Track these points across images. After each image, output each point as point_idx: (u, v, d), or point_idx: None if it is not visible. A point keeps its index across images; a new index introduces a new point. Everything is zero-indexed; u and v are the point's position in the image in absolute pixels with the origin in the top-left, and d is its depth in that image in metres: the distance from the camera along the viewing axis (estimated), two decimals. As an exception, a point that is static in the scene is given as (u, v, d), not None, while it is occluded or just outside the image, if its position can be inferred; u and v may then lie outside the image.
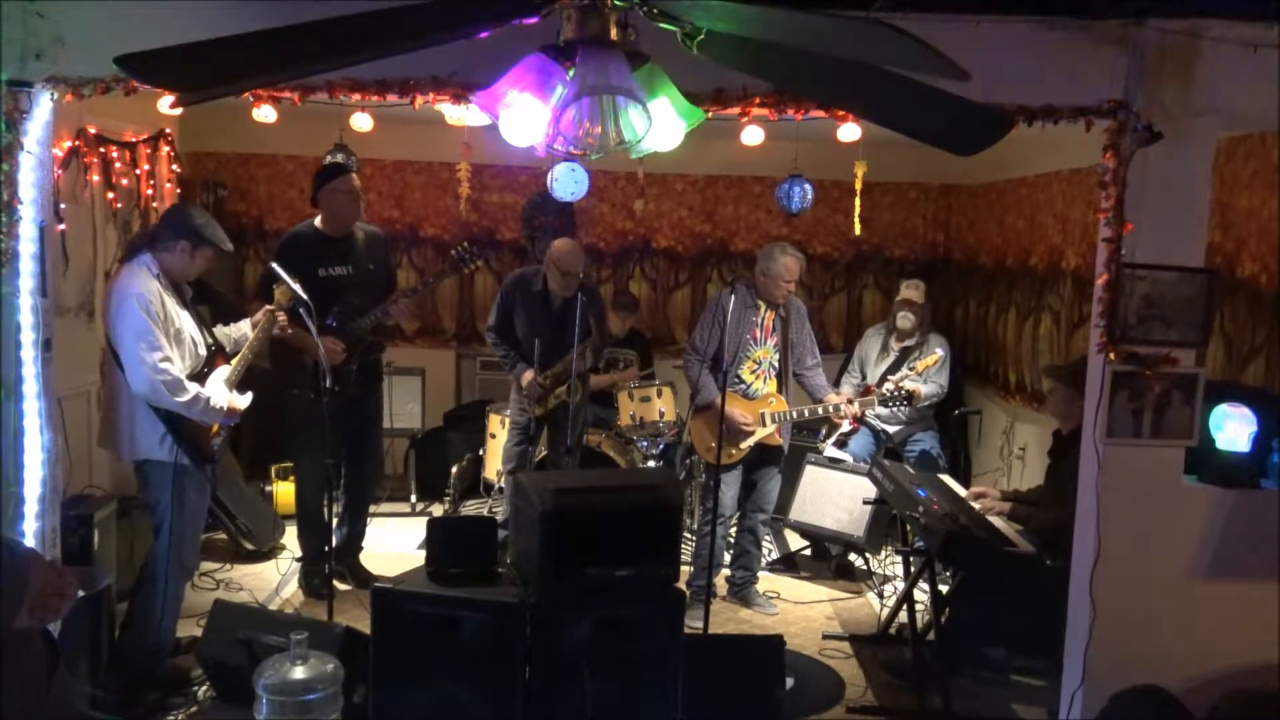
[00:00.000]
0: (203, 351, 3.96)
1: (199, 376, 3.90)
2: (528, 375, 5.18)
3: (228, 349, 4.15)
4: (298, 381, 4.78)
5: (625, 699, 3.21)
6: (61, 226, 4.26)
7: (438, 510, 6.57)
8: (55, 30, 3.47)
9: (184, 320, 3.89)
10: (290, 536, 5.54)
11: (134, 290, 3.73)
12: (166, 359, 3.74)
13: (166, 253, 3.86)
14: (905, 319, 6.17)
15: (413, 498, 6.62)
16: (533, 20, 2.07)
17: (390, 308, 4.92)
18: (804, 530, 5.90)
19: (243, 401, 4.04)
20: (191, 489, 3.93)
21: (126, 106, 4.16)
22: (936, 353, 5.92)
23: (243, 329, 4.24)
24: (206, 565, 5.35)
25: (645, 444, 6.01)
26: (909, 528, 4.78)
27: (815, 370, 5.14)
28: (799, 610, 5.25)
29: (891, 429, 6.16)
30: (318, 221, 4.93)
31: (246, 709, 3.00)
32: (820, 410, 5.10)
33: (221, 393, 3.94)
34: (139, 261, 3.83)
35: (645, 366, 6.74)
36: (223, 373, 4.01)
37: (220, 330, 4.22)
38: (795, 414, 5.03)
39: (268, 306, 4.18)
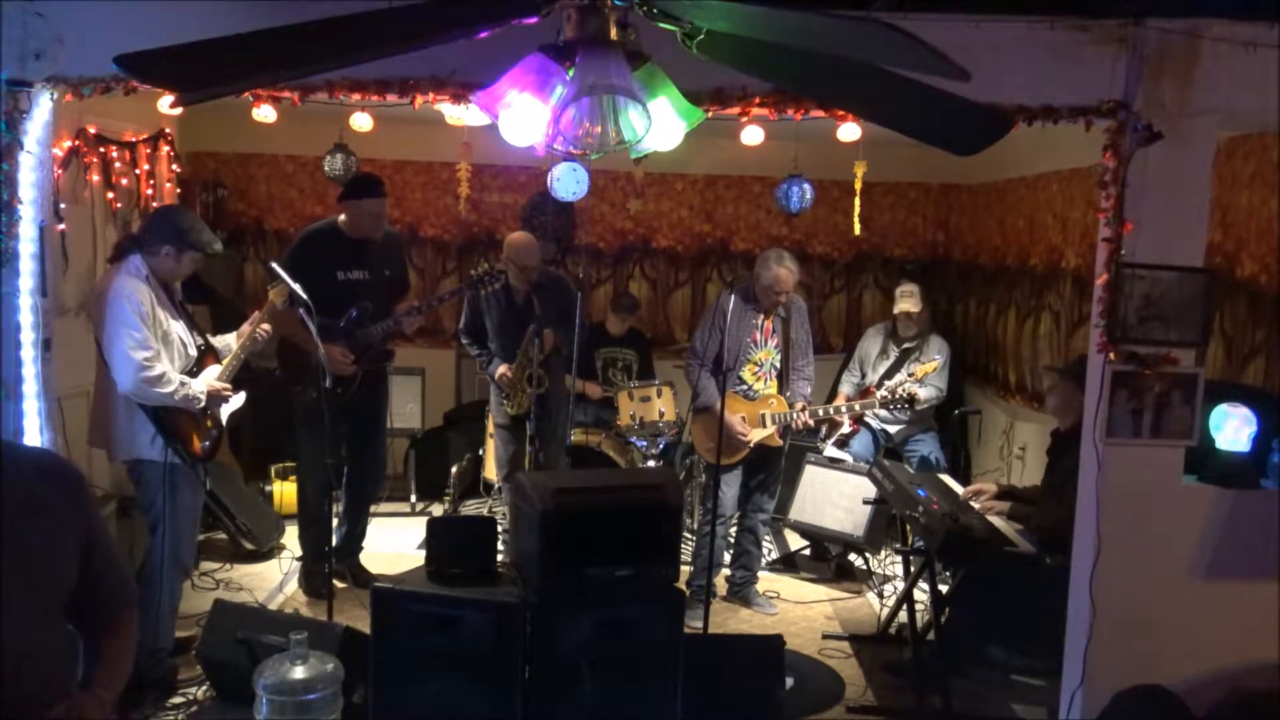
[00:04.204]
0: (193, 352, 3.97)
1: (188, 375, 3.90)
2: (501, 369, 5.31)
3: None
4: (301, 380, 4.78)
5: (625, 699, 3.20)
6: (61, 226, 4.25)
7: (438, 510, 6.57)
8: (55, 30, 3.47)
9: (173, 322, 3.89)
10: (290, 536, 5.53)
11: (123, 291, 3.74)
12: (153, 358, 3.74)
13: (153, 256, 3.86)
14: (906, 327, 6.20)
15: (413, 498, 6.62)
16: (533, 20, 2.07)
17: (403, 320, 4.95)
18: (804, 530, 5.90)
19: (236, 400, 4.06)
20: (184, 487, 3.93)
21: (126, 106, 4.16)
22: (936, 359, 5.93)
23: (227, 341, 4.22)
24: (206, 565, 5.35)
25: (645, 444, 6.01)
26: (909, 528, 4.78)
27: (803, 371, 5.13)
28: (799, 610, 5.25)
29: (892, 429, 6.16)
30: (340, 220, 4.93)
31: (246, 709, 2.98)
32: (821, 412, 5.09)
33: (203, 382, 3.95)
34: (129, 264, 3.83)
35: (645, 366, 6.74)
36: (213, 371, 4.02)
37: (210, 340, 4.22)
38: (795, 415, 5.02)
39: (256, 313, 4.20)
